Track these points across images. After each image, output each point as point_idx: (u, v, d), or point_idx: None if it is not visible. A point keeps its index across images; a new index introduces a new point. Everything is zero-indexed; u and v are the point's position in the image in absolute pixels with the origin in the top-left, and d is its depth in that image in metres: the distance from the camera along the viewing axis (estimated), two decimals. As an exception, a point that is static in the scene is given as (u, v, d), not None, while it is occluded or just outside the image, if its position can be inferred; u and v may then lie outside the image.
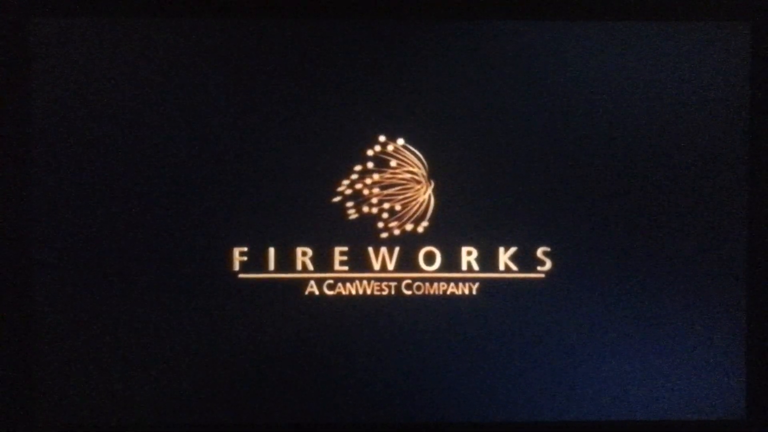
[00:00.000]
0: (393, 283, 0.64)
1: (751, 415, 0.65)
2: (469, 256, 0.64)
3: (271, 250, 0.63)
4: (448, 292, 0.64)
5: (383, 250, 0.64)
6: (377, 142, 0.64)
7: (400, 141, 0.64)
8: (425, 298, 0.64)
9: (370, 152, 0.64)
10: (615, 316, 0.64)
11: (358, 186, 0.64)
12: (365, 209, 0.64)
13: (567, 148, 0.63)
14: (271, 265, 0.63)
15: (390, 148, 0.64)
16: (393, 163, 0.64)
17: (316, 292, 0.64)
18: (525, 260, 0.64)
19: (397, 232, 0.64)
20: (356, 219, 0.64)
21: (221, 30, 0.62)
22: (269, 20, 0.63)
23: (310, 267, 0.64)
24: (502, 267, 0.64)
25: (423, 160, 0.64)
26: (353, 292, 0.64)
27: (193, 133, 0.62)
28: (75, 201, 0.62)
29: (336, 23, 0.63)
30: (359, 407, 0.64)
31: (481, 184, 0.63)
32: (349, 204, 0.64)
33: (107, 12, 0.62)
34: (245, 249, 0.63)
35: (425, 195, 0.64)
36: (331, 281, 0.64)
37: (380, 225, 0.64)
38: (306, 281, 0.64)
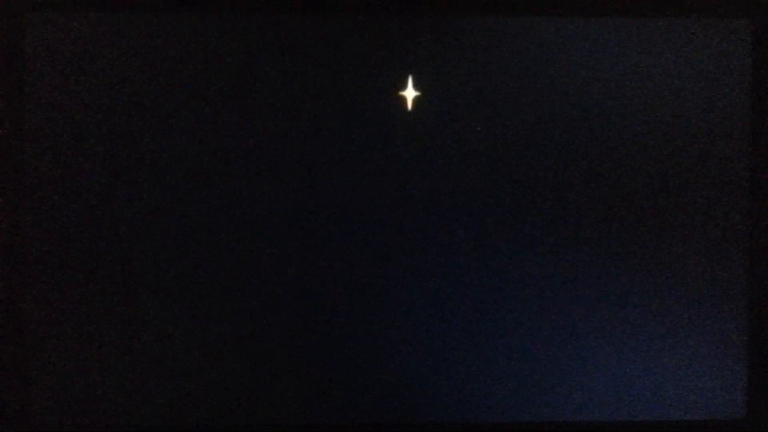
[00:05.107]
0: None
1: (752, 414, 0.65)
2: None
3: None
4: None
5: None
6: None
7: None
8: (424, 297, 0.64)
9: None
10: (614, 316, 0.64)
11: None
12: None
13: (563, 146, 0.63)
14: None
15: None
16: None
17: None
18: (524, 259, 0.63)
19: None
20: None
21: (221, 26, 0.62)
22: (270, 16, 0.62)
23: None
24: (501, 266, 0.63)
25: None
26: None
27: (192, 129, 0.62)
28: (71, 198, 0.62)
29: (337, 20, 0.63)
30: (357, 407, 0.63)
31: (479, 184, 0.63)
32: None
33: (104, 7, 0.62)
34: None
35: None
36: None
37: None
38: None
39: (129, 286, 0.62)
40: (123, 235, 0.62)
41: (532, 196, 0.63)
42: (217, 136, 0.62)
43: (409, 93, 0.63)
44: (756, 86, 0.63)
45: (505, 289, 0.63)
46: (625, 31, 0.63)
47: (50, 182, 0.62)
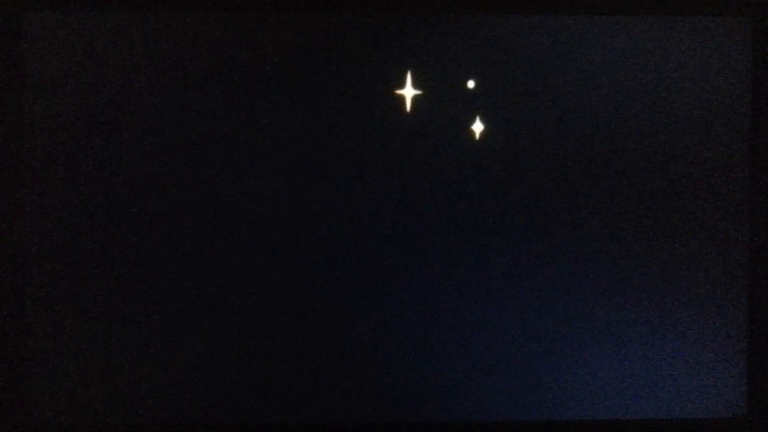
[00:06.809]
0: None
1: (753, 412, 0.65)
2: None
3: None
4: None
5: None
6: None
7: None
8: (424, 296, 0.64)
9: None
10: (614, 315, 0.64)
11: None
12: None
13: (563, 145, 0.63)
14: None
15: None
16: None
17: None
18: (524, 258, 0.63)
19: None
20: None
21: (220, 25, 0.62)
22: (268, 15, 0.62)
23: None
24: (501, 265, 0.63)
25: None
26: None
27: (191, 128, 0.62)
28: (71, 198, 0.62)
29: (336, 19, 0.62)
30: (357, 407, 0.63)
31: (478, 182, 0.63)
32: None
33: (104, 7, 0.62)
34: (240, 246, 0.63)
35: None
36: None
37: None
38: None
39: (128, 286, 0.62)
40: (122, 235, 0.62)
41: (532, 195, 0.63)
42: (215, 134, 0.62)
43: (408, 92, 0.63)
44: (756, 86, 0.63)
45: (506, 288, 0.63)
46: (625, 30, 0.63)
47: (49, 182, 0.62)
